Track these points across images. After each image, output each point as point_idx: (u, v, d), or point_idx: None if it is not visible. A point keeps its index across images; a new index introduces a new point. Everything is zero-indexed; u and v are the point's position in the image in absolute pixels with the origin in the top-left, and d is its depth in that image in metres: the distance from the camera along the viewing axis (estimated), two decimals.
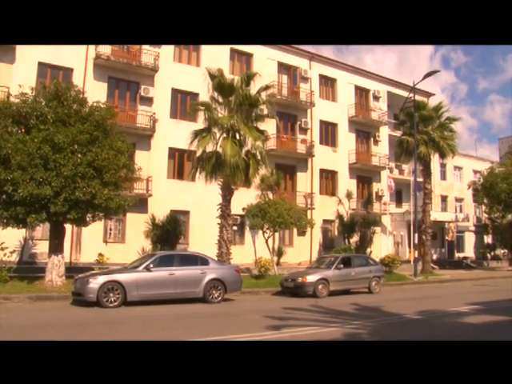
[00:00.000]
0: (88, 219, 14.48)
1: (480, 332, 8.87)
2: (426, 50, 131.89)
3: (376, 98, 33.43)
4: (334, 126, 31.11)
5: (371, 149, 32.83)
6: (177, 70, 24.82)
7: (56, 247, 14.06)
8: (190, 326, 9.01)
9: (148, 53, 23.46)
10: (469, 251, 39.87)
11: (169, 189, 23.84)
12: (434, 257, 33.19)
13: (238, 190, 18.91)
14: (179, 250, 19.71)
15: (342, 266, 16.15)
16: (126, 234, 22.71)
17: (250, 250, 24.76)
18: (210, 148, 17.82)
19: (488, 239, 41.76)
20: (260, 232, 21.25)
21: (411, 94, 24.65)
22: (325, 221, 29.64)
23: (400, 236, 33.06)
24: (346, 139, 31.44)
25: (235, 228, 24.41)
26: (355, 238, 28.20)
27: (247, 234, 25.82)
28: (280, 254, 25.44)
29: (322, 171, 30.02)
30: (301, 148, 28.56)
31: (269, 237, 20.45)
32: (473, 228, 41.35)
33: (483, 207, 37.69)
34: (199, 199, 23.71)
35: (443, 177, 39.64)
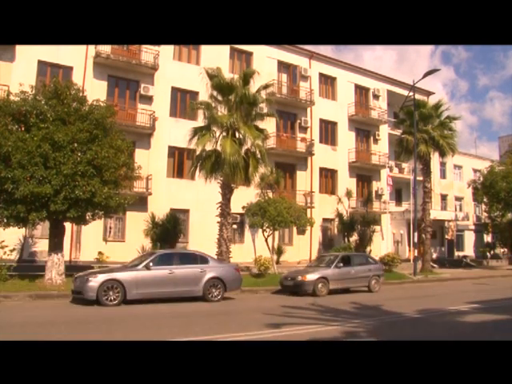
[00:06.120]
0: (88, 218, 14.50)
1: (480, 331, 8.87)
2: (426, 46, 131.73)
3: (376, 97, 33.42)
4: (333, 124, 31.10)
5: (371, 147, 32.83)
6: (176, 69, 24.81)
7: (56, 245, 14.08)
8: (189, 325, 9.02)
9: (148, 51, 23.44)
10: (468, 250, 39.89)
11: (168, 187, 23.85)
12: (434, 255, 33.21)
13: (238, 189, 18.90)
14: (179, 248, 19.72)
15: (341, 264, 16.16)
16: (125, 232, 22.71)
17: (250, 249, 24.79)
18: (209, 146, 17.81)
19: (488, 238, 41.76)
20: (260, 230, 21.25)
21: (411, 93, 24.64)
22: (324, 219, 29.66)
23: (400, 235, 33.07)
24: (346, 138, 31.43)
25: (235, 226, 24.43)
26: (355, 237, 28.20)
27: (247, 232, 25.84)
28: (280, 252, 25.46)
29: (321, 170, 30.03)
30: (300, 147, 28.55)
31: (268, 235, 20.45)
32: (472, 227, 41.37)
33: (483, 206, 37.67)
34: (199, 198, 23.72)
35: (443, 175, 39.64)
